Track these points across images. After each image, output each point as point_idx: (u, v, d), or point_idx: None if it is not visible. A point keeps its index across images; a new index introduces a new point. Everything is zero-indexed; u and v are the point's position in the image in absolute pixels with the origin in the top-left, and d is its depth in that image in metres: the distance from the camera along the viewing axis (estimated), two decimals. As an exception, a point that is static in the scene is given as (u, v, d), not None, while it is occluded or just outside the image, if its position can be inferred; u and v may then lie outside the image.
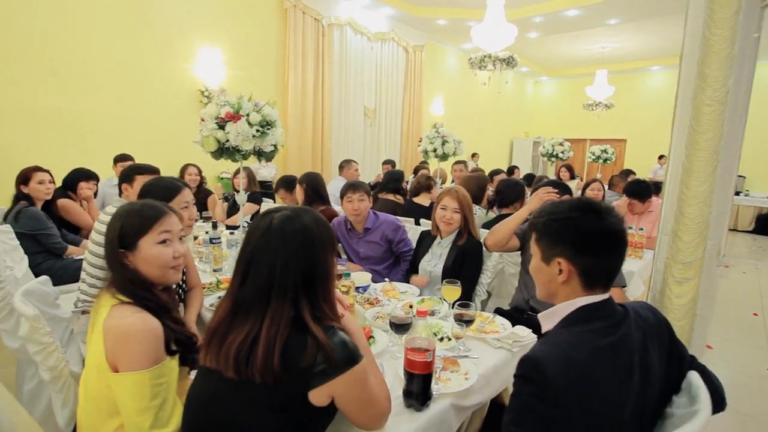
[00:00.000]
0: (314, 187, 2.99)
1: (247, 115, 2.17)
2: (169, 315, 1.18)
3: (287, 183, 3.63)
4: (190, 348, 1.20)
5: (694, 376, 1.05)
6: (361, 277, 2.09)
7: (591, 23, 7.51)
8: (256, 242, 0.96)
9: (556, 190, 2.16)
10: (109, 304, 1.10)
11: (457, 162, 4.73)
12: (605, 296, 1.01)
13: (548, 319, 1.05)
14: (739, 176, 9.36)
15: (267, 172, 6.28)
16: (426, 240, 2.34)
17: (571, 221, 1.01)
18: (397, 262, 2.64)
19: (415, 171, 6.97)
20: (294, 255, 0.94)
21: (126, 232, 1.18)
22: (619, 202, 3.52)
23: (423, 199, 3.58)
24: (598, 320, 0.96)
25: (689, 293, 1.92)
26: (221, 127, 2.17)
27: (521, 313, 2.09)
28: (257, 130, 2.17)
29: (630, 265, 2.76)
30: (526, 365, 0.89)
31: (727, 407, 1.10)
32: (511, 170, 3.91)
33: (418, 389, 1.12)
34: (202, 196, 4.49)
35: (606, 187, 4.82)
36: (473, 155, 10.60)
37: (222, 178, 5.87)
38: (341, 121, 7.18)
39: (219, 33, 5.70)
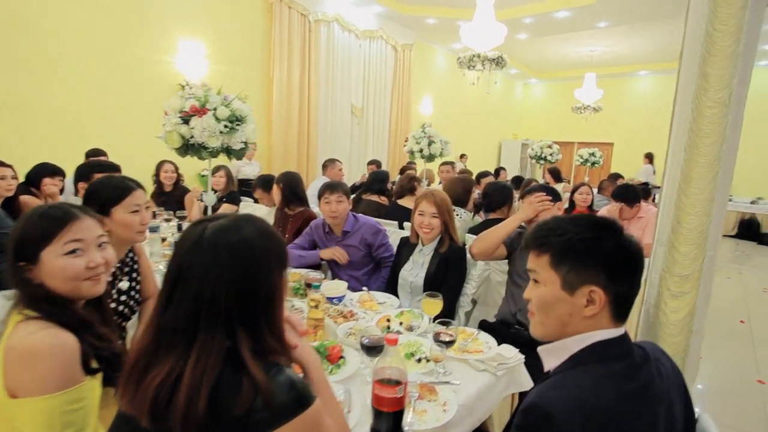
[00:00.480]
0: (292, 187, 2.82)
1: (215, 109, 1.99)
2: (91, 331, 1.00)
3: (265, 182, 3.46)
4: (117, 366, 1.01)
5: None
6: (335, 286, 1.93)
7: (581, 25, 7.46)
8: (183, 257, 0.78)
9: (550, 197, 2.03)
10: (15, 321, 0.93)
11: (445, 163, 4.60)
12: (621, 331, 0.86)
13: (553, 356, 0.89)
14: (724, 182, 9.40)
15: (250, 170, 6.07)
16: (406, 248, 2.19)
17: (598, 241, 0.86)
18: (378, 268, 2.49)
19: (402, 171, 6.84)
20: (229, 274, 0.77)
21: (25, 242, 1.00)
22: (609, 207, 3.43)
23: (407, 202, 3.43)
24: (616, 360, 0.82)
25: (686, 308, 1.80)
26: (186, 121, 1.99)
27: (508, 327, 1.96)
28: (225, 126, 1.99)
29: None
30: (532, 416, 0.74)
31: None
32: (498, 172, 3.78)
33: (388, 429, 0.97)
34: (178, 194, 4.30)
35: (595, 191, 4.75)
36: (461, 156, 10.50)
37: (203, 176, 5.65)
38: (328, 119, 7.01)
39: (201, 26, 5.49)
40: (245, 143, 2.12)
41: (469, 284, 2.08)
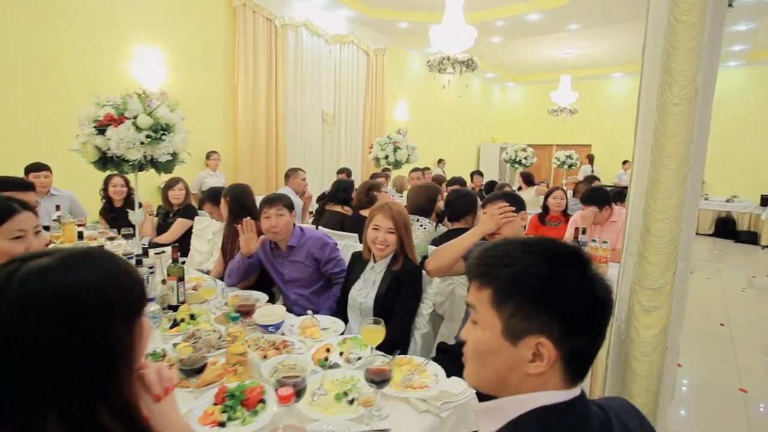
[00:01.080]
0: (240, 200, 2.61)
1: (135, 117, 1.77)
2: None
3: (213, 195, 3.22)
4: None
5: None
6: (269, 312, 1.72)
7: (552, 28, 7.42)
8: None
9: (513, 208, 1.85)
10: None
11: (415, 169, 4.42)
12: (575, 392, 0.67)
13: (487, 419, 0.69)
14: (699, 181, 9.47)
15: (215, 181, 5.81)
16: (357, 264, 2.00)
17: (554, 279, 0.66)
18: (329, 285, 2.29)
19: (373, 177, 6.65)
20: (39, 335, 0.57)
21: None
22: (584, 213, 3.28)
23: (368, 212, 3.24)
24: (567, 429, 0.63)
25: (659, 323, 1.64)
26: (101, 131, 1.76)
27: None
28: (148, 136, 1.77)
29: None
30: None
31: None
32: (460, 180, 3.59)
33: None
34: (129, 210, 4.01)
35: (571, 194, 4.63)
36: (439, 161, 10.39)
37: (163, 187, 5.36)
38: (297, 126, 6.79)
39: (160, 32, 5.24)
40: (173, 155, 1.90)
41: (425, 303, 1.89)
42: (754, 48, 8.40)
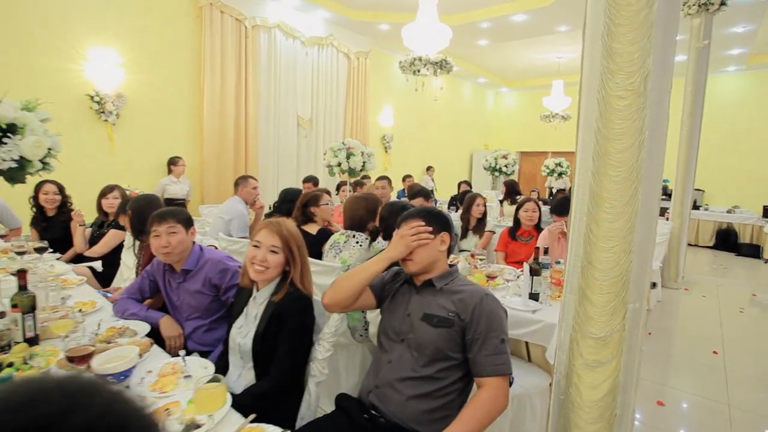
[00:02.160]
0: (142, 215, 2.25)
1: (-43, 114, 1.43)
2: None
3: (125, 206, 2.86)
4: None
5: None
6: (119, 356, 1.36)
7: (540, 29, 7.09)
8: None
9: (430, 228, 1.49)
10: None
11: (381, 177, 4.07)
12: None
13: None
14: (698, 190, 9.08)
15: (178, 188, 5.49)
16: (243, 295, 1.63)
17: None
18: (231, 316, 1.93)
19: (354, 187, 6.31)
20: None
21: None
22: (552, 228, 2.91)
23: (312, 227, 2.89)
24: None
25: (606, 383, 1.26)
26: None
27: (362, 411, 1.40)
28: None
29: (549, 314, 2.11)
30: None
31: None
32: (423, 192, 3.18)
33: None
34: (63, 220, 3.69)
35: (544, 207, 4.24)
36: (428, 169, 10.04)
37: (118, 197, 5.03)
38: (270, 132, 6.47)
39: (115, 32, 4.95)
40: (20, 161, 1.56)
41: (321, 345, 1.52)
42: (754, 51, 8.03)
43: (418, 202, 3.47)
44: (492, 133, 13.07)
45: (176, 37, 5.46)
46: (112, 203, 3.58)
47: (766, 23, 6.63)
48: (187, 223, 1.99)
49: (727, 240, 8.38)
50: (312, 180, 5.08)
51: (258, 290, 1.57)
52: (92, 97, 4.78)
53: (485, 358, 1.32)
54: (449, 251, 1.57)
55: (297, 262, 1.55)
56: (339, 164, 3.67)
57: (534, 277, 2.32)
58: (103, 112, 4.87)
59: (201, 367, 1.51)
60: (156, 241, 1.87)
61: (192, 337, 1.97)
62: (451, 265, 1.59)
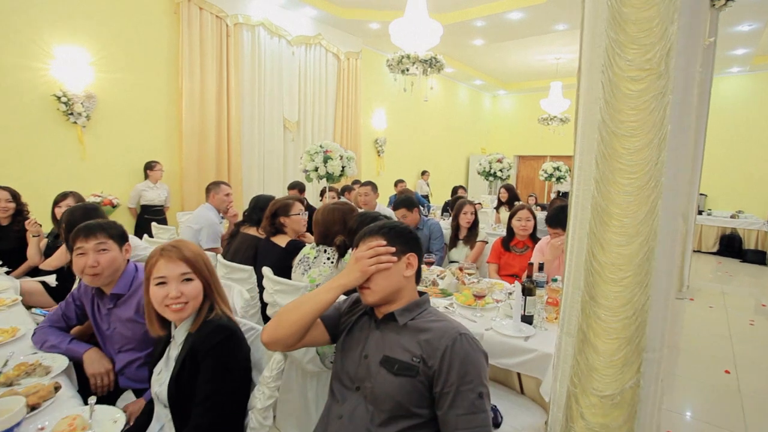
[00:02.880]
0: (73, 227, 1.95)
1: None
2: None
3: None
4: None
5: None
6: (1, 407, 1.06)
7: (537, 28, 6.82)
8: None
9: (393, 249, 1.19)
10: None
11: (364, 183, 3.76)
12: None
13: None
14: (701, 194, 8.79)
15: (155, 194, 5.19)
16: (162, 336, 1.33)
17: None
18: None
19: (342, 193, 6.01)
20: None
21: None
22: (554, 241, 2.59)
23: (282, 239, 2.59)
24: None
25: (615, 455, 0.96)
26: None
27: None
28: None
29: (545, 341, 1.81)
30: None
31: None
32: (407, 201, 2.89)
33: None
34: (18, 230, 3.39)
35: (540, 213, 3.95)
36: (423, 173, 9.77)
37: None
38: (255, 134, 6.17)
39: (84, 29, 4.66)
40: None
41: (261, 391, 1.21)
42: (759, 52, 7.78)
43: (400, 213, 3.17)
44: (489, 137, 12.81)
45: (152, 35, 5.17)
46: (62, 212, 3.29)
47: (772, 21, 6.36)
48: (121, 238, 1.70)
49: (731, 246, 8.09)
50: (297, 186, 4.78)
51: (176, 326, 1.28)
52: (59, 98, 4.49)
53: (457, 419, 1.03)
54: (418, 276, 1.28)
55: (214, 283, 1.27)
56: (316, 169, 3.38)
57: (527, 297, 2.02)
58: (71, 114, 4.57)
59: (110, 420, 1.21)
60: (81, 260, 1.58)
61: (124, 372, 1.67)
62: (421, 293, 1.30)
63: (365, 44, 7.78)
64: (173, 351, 1.26)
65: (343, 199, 5.76)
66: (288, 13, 6.41)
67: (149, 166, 5.17)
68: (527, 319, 2.02)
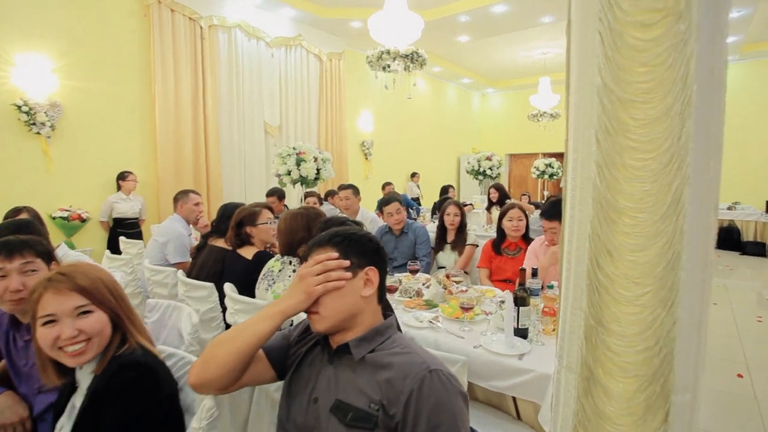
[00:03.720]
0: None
1: None
2: None
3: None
4: None
5: None
6: None
7: (523, 22, 6.64)
8: None
9: (347, 263, 0.95)
10: None
11: (345, 186, 3.52)
12: None
13: None
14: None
15: (128, 206, 4.92)
16: (66, 385, 1.08)
17: None
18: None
19: (326, 197, 5.77)
20: None
21: None
22: (553, 251, 2.36)
23: (249, 251, 2.34)
24: None
25: None
26: None
27: None
28: None
29: (542, 359, 1.57)
30: None
31: None
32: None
33: None
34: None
35: (535, 214, 3.73)
36: (413, 175, 9.54)
37: (55, 218, 4.46)
38: (234, 140, 5.92)
39: (45, 35, 4.40)
40: None
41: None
42: (749, 39, 7.63)
43: (394, 208, 2.93)
44: (480, 136, 12.62)
45: (120, 39, 4.92)
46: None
47: (762, 7, 6.22)
48: (48, 257, 1.45)
49: (729, 238, 7.91)
50: (276, 193, 4.52)
51: (81, 368, 1.02)
52: (19, 107, 4.22)
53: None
54: (381, 295, 1.03)
55: (124, 311, 1.02)
56: (288, 172, 3.13)
57: (520, 308, 1.78)
58: (33, 124, 4.30)
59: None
60: (1, 284, 1.32)
61: (45, 417, 1.41)
62: (387, 314, 1.05)
63: (348, 45, 7.57)
64: (78, 399, 1.01)
65: (326, 204, 5.51)
66: (266, 13, 6.18)
67: (121, 177, 4.90)
68: (521, 333, 1.78)
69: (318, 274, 0.94)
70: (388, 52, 4.00)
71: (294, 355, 1.06)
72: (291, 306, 0.95)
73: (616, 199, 0.67)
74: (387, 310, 1.07)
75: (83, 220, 4.60)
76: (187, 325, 1.58)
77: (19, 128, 4.27)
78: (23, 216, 3.06)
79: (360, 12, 6.53)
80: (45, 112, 4.37)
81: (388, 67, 4.34)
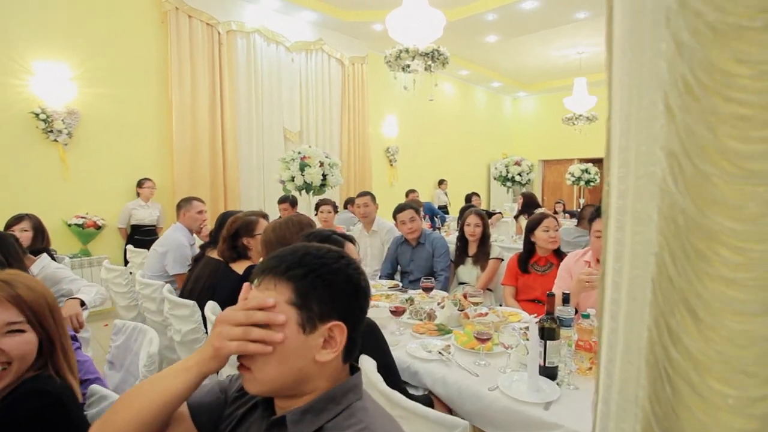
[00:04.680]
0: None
1: None
2: None
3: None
4: None
5: None
6: None
7: (556, 19, 6.23)
8: None
9: (282, 318, 0.67)
10: None
11: (362, 194, 3.25)
12: None
13: None
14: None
15: (146, 213, 4.85)
16: None
17: None
18: None
19: (345, 204, 5.55)
20: None
21: None
22: (592, 272, 2.01)
23: (242, 265, 2.11)
24: None
25: None
26: None
27: None
28: None
29: (574, 409, 1.24)
30: None
31: None
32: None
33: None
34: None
35: (571, 223, 3.34)
36: (440, 182, 9.21)
37: (71, 225, 4.43)
38: (253, 147, 5.80)
39: (64, 43, 4.41)
40: None
41: None
42: None
43: (408, 216, 2.64)
44: (511, 142, 12.15)
45: (138, 47, 4.89)
46: (20, 236, 2.92)
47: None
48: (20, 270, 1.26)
49: None
50: (288, 200, 4.33)
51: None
52: (37, 115, 4.22)
53: None
54: (349, 353, 0.75)
55: (58, 338, 0.81)
56: (292, 178, 2.92)
57: (548, 342, 1.45)
58: (51, 132, 4.29)
59: None
60: None
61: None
62: (355, 369, 0.77)
63: (371, 48, 7.37)
64: None
65: (346, 212, 5.28)
66: (285, 18, 6.07)
67: (139, 184, 4.86)
68: (549, 372, 1.45)
69: (237, 324, 0.67)
70: (407, 51, 3.74)
71: (229, 417, 0.79)
72: (201, 362, 0.68)
73: (705, 212, 0.36)
74: (354, 360, 0.79)
75: (99, 227, 4.55)
76: (143, 355, 1.34)
77: (36, 136, 4.27)
78: (24, 223, 2.98)
79: (382, 14, 6.30)
80: (62, 120, 4.36)
81: (408, 67, 4.07)
